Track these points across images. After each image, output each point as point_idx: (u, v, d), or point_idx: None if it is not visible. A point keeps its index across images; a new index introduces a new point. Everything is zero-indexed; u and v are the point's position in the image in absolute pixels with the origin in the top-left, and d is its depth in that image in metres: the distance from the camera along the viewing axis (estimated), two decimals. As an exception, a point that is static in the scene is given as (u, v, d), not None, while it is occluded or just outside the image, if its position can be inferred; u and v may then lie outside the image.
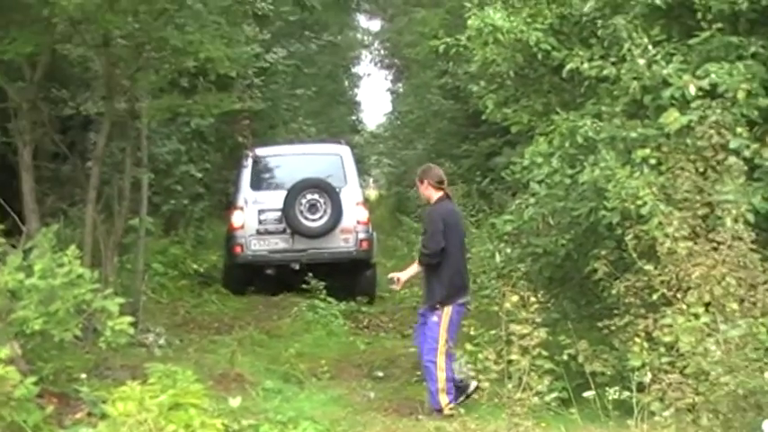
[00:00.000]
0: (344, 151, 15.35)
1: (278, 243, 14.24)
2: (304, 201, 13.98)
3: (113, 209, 10.56)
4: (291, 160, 15.46)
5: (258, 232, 14.23)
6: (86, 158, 11.79)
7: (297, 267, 13.99)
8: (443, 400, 7.80)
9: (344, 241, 14.29)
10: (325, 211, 14.01)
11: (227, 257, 14.65)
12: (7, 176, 10.76)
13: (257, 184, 14.68)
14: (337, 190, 14.19)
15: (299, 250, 14.15)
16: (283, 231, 14.18)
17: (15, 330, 6.67)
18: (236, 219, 14.33)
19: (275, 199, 14.17)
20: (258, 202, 14.35)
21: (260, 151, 15.32)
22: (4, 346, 6.40)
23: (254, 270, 14.35)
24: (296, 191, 14.02)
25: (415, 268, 8.45)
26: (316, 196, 14.03)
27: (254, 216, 14.27)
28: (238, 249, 14.19)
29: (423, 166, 8.67)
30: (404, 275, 8.37)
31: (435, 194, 8.18)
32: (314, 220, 13.98)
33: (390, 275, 8.73)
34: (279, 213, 14.11)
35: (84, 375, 7.45)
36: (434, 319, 7.97)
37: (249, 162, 14.82)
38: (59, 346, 7.23)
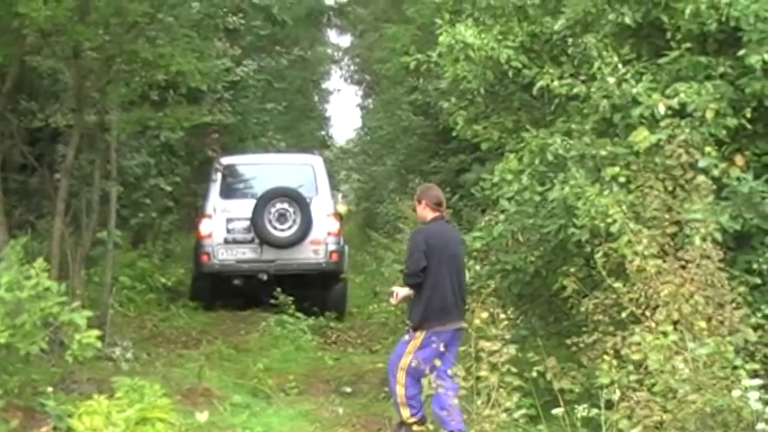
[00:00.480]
0: (316, 162, 15.13)
1: (246, 253, 14.01)
2: (273, 210, 13.79)
3: (81, 221, 10.52)
4: (262, 169, 15.21)
5: (226, 241, 14.01)
6: (55, 170, 11.71)
7: (264, 278, 13.80)
8: (404, 413, 7.67)
9: (314, 252, 14.08)
10: (294, 221, 13.82)
11: (194, 267, 14.44)
12: (-26, 188, 10.68)
13: (227, 192, 14.44)
14: (308, 200, 13.98)
15: (267, 261, 13.94)
16: (251, 241, 13.96)
17: (-19, 343, 6.61)
18: (204, 227, 14.11)
19: (244, 208, 13.96)
20: (227, 210, 14.14)
21: (231, 160, 15.16)
22: (-31, 360, 6.35)
23: (221, 280, 14.07)
24: (265, 199, 13.83)
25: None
26: (285, 206, 13.83)
27: (222, 225, 14.06)
28: (205, 258, 13.98)
29: (422, 187, 8.46)
30: (402, 291, 8.06)
31: (430, 215, 7.94)
32: (283, 230, 13.78)
33: (391, 289, 8.47)
34: (247, 223, 13.91)
35: (50, 389, 7.39)
36: (406, 337, 7.86)
37: (218, 168, 14.61)
38: (25, 360, 7.20)
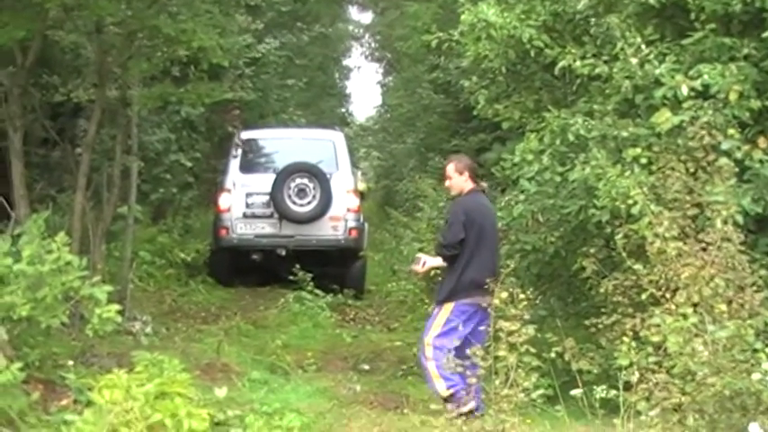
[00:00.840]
0: (337, 137, 15.06)
1: (264, 227, 14.01)
2: (293, 185, 13.73)
3: (102, 196, 10.54)
4: (283, 144, 15.14)
5: (245, 215, 14.00)
6: (76, 145, 11.75)
7: (283, 253, 13.80)
8: (439, 386, 7.52)
9: (333, 229, 14.03)
10: (314, 197, 13.75)
11: (213, 241, 14.43)
12: (-4, 161, 10.74)
13: (246, 167, 14.40)
14: (328, 175, 13.90)
15: (285, 236, 13.92)
16: (270, 216, 13.94)
17: (2, 316, 6.65)
18: (223, 201, 14.10)
19: (264, 182, 13.92)
20: (246, 185, 14.10)
21: (251, 134, 15.12)
22: (-10, 332, 6.39)
23: (240, 255, 14.07)
24: (284, 174, 13.77)
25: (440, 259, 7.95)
26: (305, 180, 13.77)
27: (241, 199, 14.04)
28: (224, 232, 13.98)
29: (459, 157, 8.26)
30: (431, 261, 7.87)
31: (469, 186, 7.82)
32: (302, 205, 13.73)
33: (418, 255, 8.24)
34: (267, 197, 13.87)
35: (70, 362, 7.42)
36: (434, 311, 7.78)
37: (238, 142, 14.56)
38: (46, 333, 7.23)
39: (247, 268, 14.23)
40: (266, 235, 13.99)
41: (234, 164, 14.37)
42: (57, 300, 6.74)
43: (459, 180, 7.85)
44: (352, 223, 14.15)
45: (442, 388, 7.51)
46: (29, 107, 10.16)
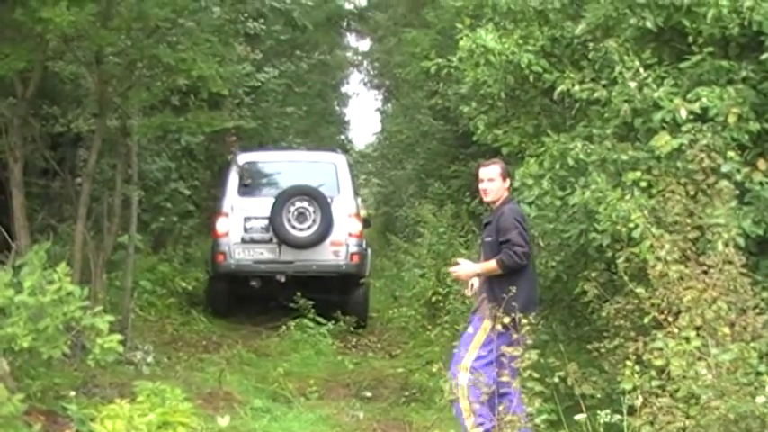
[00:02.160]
0: (339, 160, 14.70)
1: (263, 253, 13.62)
2: (292, 209, 13.37)
3: (103, 226, 10.56)
4: (283, 167, 14.78)
5: (243, 240, 13.64)
6: (76, 175, 11.79)
7: (282, 280, 13.48)
8: (469, 423, 6.86)
9: (334, 254, 13.68)
10: (314, 221, 13.41)
11: (210, 267, 14.10)
12: (-3, 192, 10.76)
13: (245, 190, 14.04)
14: (329, 199, 13.55)
15: (285, 261, 13.56)
16: (270, 241, 13.58)
17: (3, 347, 6.65)
18: (221, 226, 13.77)
19: (263, 206, 13.55)
20: (244, 209, 13.75)
21: (250, 156, 14.76)
22: (-8, 363, 6.38)
23: (238, 281, 13.71)
24: (284, 198, 13.41)
25: (489, 266, 7.16)
26: (305, 204, 13.41)
27: (239, 224, 13.67)
28: (221, 258, 13.63)
29: (498, 162, 7.71)
30: (473, 266, 7.25)
31: (505, 194, 7.51)
32: (302, 230, 13.37)
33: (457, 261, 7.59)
34: (266, 222, 13.51)
35: (72, 393, 7.43)
36: (470, 330, 7.15)
37: (236, 165, 14.18)
38: (47, 364, 7.22)
39: (246, 296, 13.94)
40: (265, 261, 13.62)
41: (232, 187, 14.02)
42: (58, 330, 6.73)
43: (501, 186, 7.49)
44: (353, 248, 13.83)
45: (471, 425, 6.90)
46: (29, 138, 10.19)
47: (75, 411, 7.01)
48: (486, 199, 7.54)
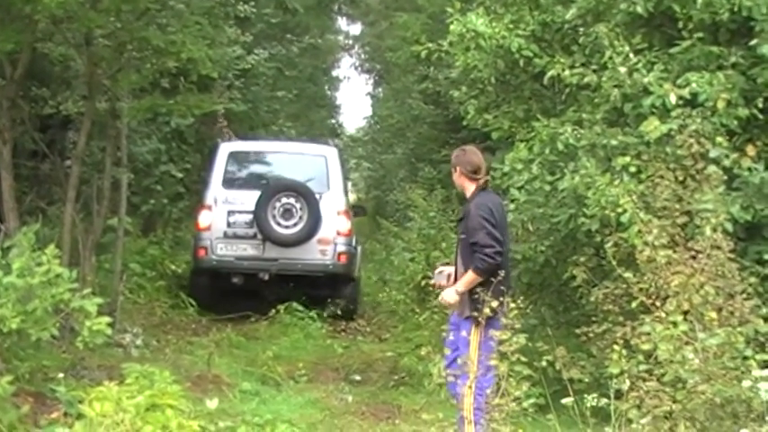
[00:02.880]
0: (330, 153, 13.88)
1: (246, 249, 13.01)
2: (278, 204, 12.75)
3: (92, 208, 10.55)
4: (271, 158, 14.22)
5: (226, 235, 13.03)
6: (65, 157, 11.76)
7: (266, 278, 12.93)
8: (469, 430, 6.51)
9: (321, 253, 13.01)
10: (300, 218, 12.72)
11: (192, 261, 13.61)
12: (-15, 174, 10.73)
13: (230, 181, 13.38)
14: (317, 195, 12.87)
15: (269, 259, 12.93)
16: (254, 237, 12.95)
17: (-8, 329, 6.63)
18: (203, 219, 13.15)
19: (248, 200, 12.91)
20: (229, 201, 13.12)
21: (236, 146, 14.13)
22: (-20, 345, 6.38)
23: (220, 277, 13.11)
24: (269, 193, 12.81)
25: (468, 279, 6.66)
26: (291, 200, 12.78)
27: (222, 217, 13.07)
28: (202, 253, 13.05)
29: (456, 151, 7.11)
30: (459, 288, 6.65)
31: (470, 186, 6.86)
32: (287, 227, 12.72)
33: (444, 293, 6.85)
34: (250, 216, 12.89)
35: (60, 375, 7.41)
36: (463, 333, 6.68)
37: (222, 155, 13.50)
38: (36, 346, 7.21)
39: (229, 291, 13.29)
40: (248, 257, 13.02)
41: (216, 178, 13.37)
42: (47, 312, 6.72)
43: (459, 177, 6.95)
44: (342, 247, 13.15)
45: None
46: (18, 119, 10.16)
47: (64, 393, 6.99)
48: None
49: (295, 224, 12.78)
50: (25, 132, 10.86)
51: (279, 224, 12.79)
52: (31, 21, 9.13)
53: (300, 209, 12.81)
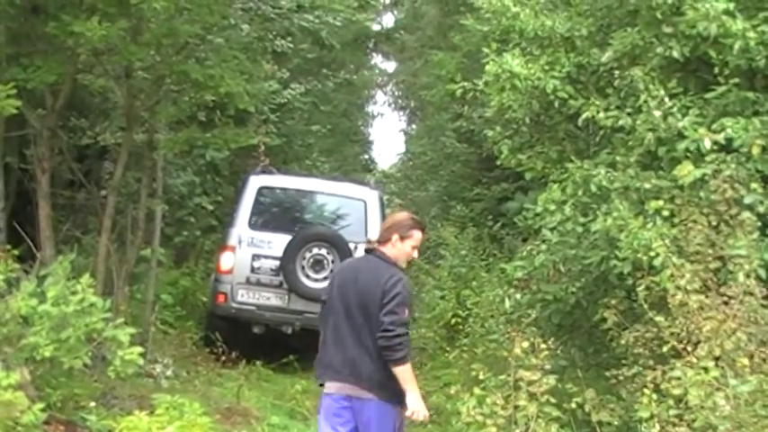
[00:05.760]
0: (371, 197, 12.71)
1: (270, 299, 11.99)
2: (308, 255, 11.75)
3: (126, 238, 10.63)
4: (305, 198, 13.10)
5: (248, 281, 11.98)
6: (101, 187, 11.88)
7: (289, 332, 11.88)
8: None
9: None
10: (331, 271, 11.27)
11: (209, 305, 12.56)
12: (22, 202, 10.88)
13: (258, 221, 12.35)
14: (352, 245, 11.47)
15: (294, 311, 11.84)
16: (279, 286, 11.91)
17: (26, 356, 6.72)
18: (225, 261, 12.08)
19: (276, 243, 11.92)
20: (255, 243, 12.08)
21: (268, 180, 12.79)
22: (14, 372, 6.44)
23: (239, 326, 12.02)
24: (299, 242, 11.77)
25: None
26: (323, 252, 11.76)
27: (246, 261, 11.99)
28: (221, 299, 11.99)
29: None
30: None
31: None
32: (317, 280, 11.55)
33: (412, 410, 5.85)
34: (277, 262, 11.88)
35: (92, 404, 7.48)
36: (390, 418, 5.83)
37: (251, 190, 12.42)
38: (68, 374, 7.28)
39: (249, 341, 12.01)
40: (271, 307, 11.95)
41: (243, 216, 12.30)
42: (80, 341, 6.79)
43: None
44: None
45: None
46: (57, 149, 10.28)
47: (95, 422, 7.07)
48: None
49: (325, 278, 11.35)
50: (63, 162, 11.01)
51: (308, 276, 11.76)
52: (72, 53, 9.28)
53: (332, 261, 11.70)
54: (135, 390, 8.77)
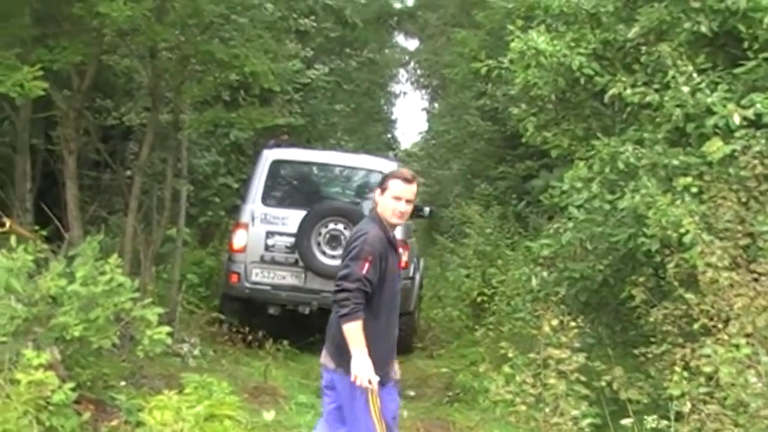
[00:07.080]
0: (390, 169, 11.45)
1: (285, 278, 11.34)
2: (324, 230, 11.08)
3: (152, 219, 10.66)
4: (323, 172, 12.46)
5: (263, 260, 11.35)
6: (127, 168, 11.91)
7: (306, 312, 11.28)
8: None
9: None
10: None
11: (223, 285, 11.94)
12: (49, 183, 10.93)
13: (272, 197, 11.69)
14: None
15: (310, 291, 11.21)
16: (294, 263, 11.28)
17: (55, 336, 6.75)
18: (238, 239, 11.48)
19: (291, 220, 11.27)
20: (269, 220, 11.45)
21: (284, 154, 12.07)
22: (44, 351, 6.47)
23: (253, 307, 11.52)
24: (314, 217, 11.10)
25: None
26: (340, 227, 11.05)
27: (260, 239, 11.36)
28: (235, 279, 11.42)
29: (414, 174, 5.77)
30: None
31: None
32: (334, 257, 10.76)
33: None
34: (292, 239, 11.22)
35: (121, 383, 7.51)
36: (359, 402, 5.44)
37: (264, 164, 11.73)
38: (97, 353, 7.31)
39: (266, 321, 11.47)
40: (286, 287, 11.34)
41: (256, 191, 11.64)
42: (108, 321, 6.81)
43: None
44: None
45: None
46: (82, 130, 10.30)
47: (124, 401, 7.09)
48: (401, 221, 5.58)
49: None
50: (89, 143, 11.03)
51: (324, 253, 11.11)
52: (98, 34, 9.28)
53: None
54: (163, 369, 8.80)
